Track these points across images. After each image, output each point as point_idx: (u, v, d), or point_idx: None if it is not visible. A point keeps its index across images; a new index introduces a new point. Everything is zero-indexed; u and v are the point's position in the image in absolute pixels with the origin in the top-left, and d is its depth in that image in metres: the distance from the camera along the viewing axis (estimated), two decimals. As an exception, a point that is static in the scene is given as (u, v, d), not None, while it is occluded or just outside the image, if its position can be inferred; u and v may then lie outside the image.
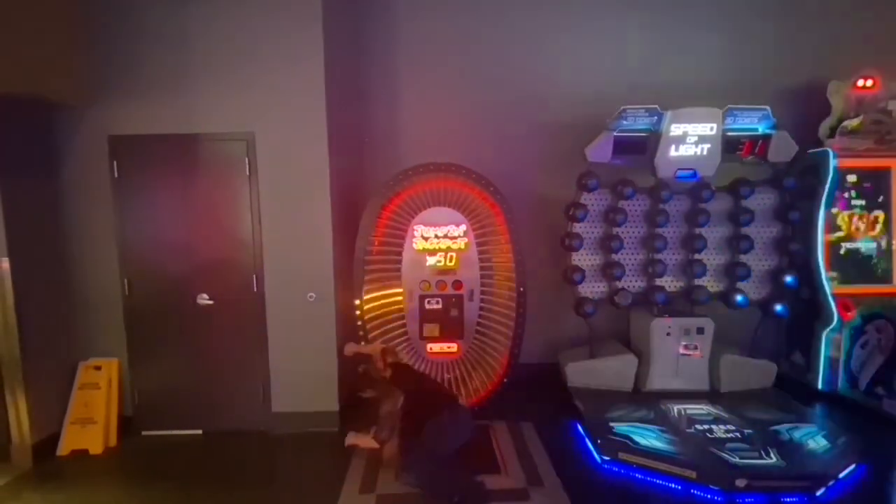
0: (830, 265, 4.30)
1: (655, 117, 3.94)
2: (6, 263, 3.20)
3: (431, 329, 4.01)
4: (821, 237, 4.25)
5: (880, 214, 4.33)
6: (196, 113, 3.61)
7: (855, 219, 4.34)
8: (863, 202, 4.34)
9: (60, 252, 3.66)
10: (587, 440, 3.54)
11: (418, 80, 4.74)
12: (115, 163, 3.65)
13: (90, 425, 3.58)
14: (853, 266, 4.33)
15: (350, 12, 4.55)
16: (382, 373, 3.18)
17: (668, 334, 4.09)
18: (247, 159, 3.66)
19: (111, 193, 3.67)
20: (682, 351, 4.09)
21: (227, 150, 3.67)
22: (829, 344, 4.25)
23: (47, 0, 3.39)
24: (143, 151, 3.64)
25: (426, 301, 3.99)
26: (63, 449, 3.53)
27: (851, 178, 4.30)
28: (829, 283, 4.22)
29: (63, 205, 3.66)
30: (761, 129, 3.99)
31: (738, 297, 4.11)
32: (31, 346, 3.35)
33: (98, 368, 3.71)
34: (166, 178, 3.67)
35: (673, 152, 4.00)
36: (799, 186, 4.11)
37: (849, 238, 4.35)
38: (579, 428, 3.73)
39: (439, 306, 4.00)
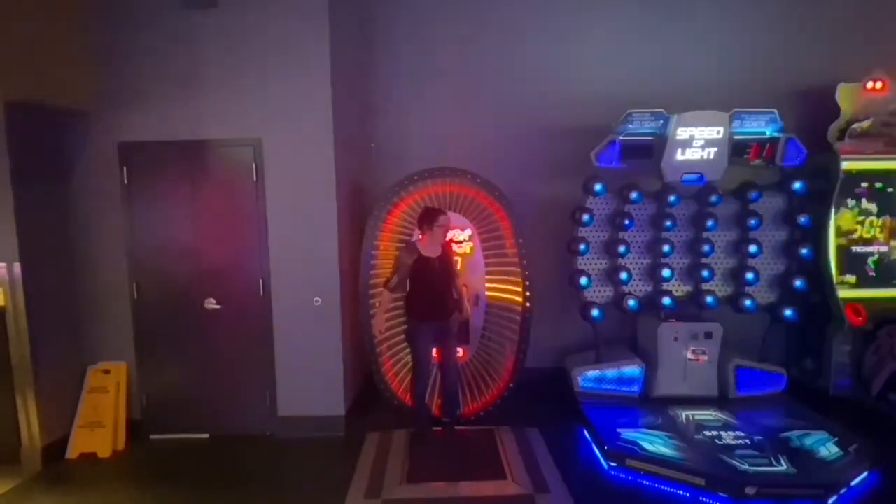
0: (841, 269, 4.25)
1: (661, 121, 3.93)
2: (18, 268, 3.24)
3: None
4: (830, 240, 4.21)
5: (888, 220, 4.28)
6: (204, 119, 3.65)
7: (866, 222, 4.29)
8: (874, 205, 4.29)
9: (71, 257, 3.70)
10: (594, 446, 3.51)
11: (424, 85, 4.75)
12: (124, 169, 3.70)
13: (99, 429, 3.61)
14: (864, 269, 4.28)
15: (357, 18, 4.59)
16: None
17: (675, 339, 4.05)
18: (254, 165, 3.69)
19: (121, 199, 3.71)
20: (689, 356, 4.06)
21: (235, 156, 3.70)
22: (839, 349, 4.20)
23: (58, 10, 3.46)
24: (152, 157, 3.68)
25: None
26: (72, 452, 3.56)
27: (865, 183, 4.27)
28: (839, 287, 4.17)
29: (74, 210, 3.71)
30: (769, 132, 3.96)
31: (747, 302, 4.07)
32: (42, 350, 3.39)
33: (107, 372, 3.74)
34: (175, 183, 3.71)
35: (679, 156, 3.98)
36: (807, 189, 4.07)
37: (860, 241, 4.30)
38: (586, 434, 3.71)
39: (445, 311, 3.99)
